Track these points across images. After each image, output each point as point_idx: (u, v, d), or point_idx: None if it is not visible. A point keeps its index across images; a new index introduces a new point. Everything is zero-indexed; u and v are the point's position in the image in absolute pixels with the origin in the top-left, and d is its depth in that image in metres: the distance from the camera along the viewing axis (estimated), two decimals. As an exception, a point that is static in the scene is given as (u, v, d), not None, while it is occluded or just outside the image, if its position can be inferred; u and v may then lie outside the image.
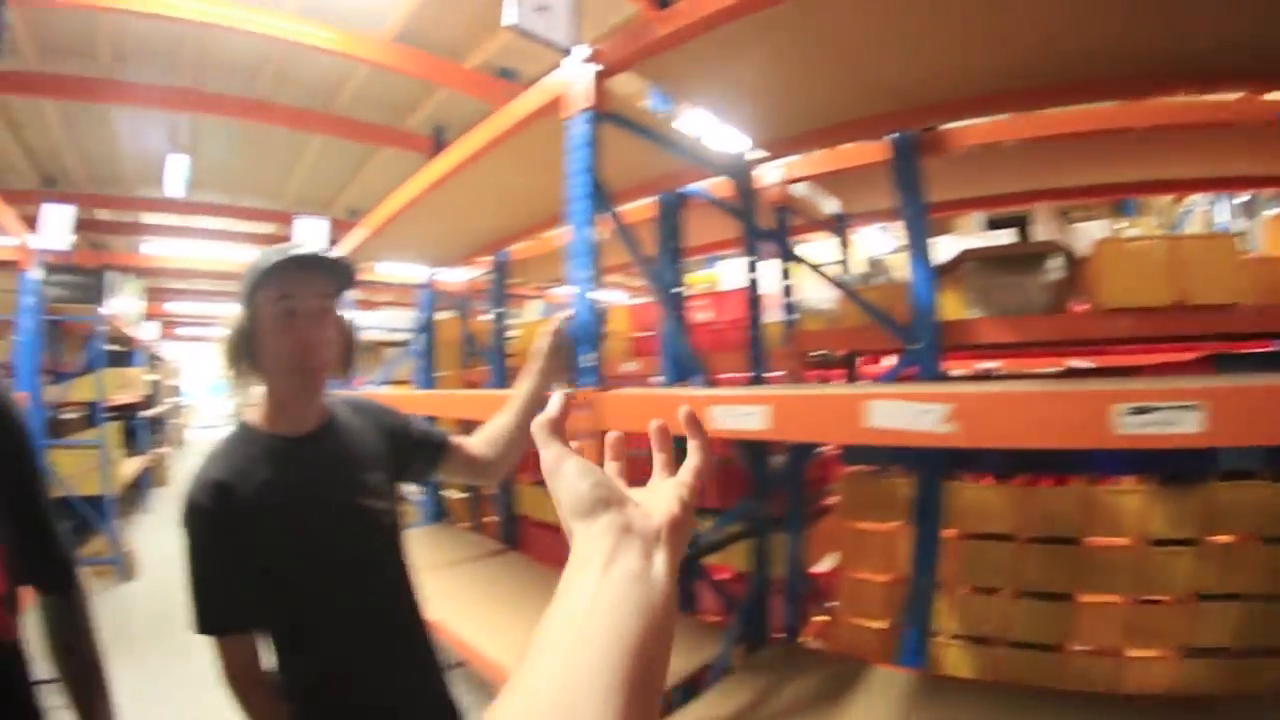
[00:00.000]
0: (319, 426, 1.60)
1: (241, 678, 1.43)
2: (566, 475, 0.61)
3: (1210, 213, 4.92)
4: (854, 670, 2.32)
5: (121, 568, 6.44)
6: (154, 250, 11.54)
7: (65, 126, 7.22)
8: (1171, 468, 2.24)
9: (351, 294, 1.59)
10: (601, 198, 1.94)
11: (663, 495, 0.63)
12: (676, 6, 1.79)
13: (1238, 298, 2.35)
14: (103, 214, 9.84)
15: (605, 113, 1.99)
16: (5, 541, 0.87)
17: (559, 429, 0.65)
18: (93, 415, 6.75)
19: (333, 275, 1.54)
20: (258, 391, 1.57)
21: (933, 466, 2.49)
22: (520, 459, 1.91)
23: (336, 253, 1.53)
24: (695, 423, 0.73)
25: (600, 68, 1.97)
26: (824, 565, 3.26)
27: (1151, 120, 2.55)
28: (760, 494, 2.66)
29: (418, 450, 1.80)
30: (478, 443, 1.87)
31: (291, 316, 1.48)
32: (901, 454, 2.67)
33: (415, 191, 3.13)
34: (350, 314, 1.60)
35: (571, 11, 2.12)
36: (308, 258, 1.48)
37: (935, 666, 2.48)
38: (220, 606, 1.44)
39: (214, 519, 1.42)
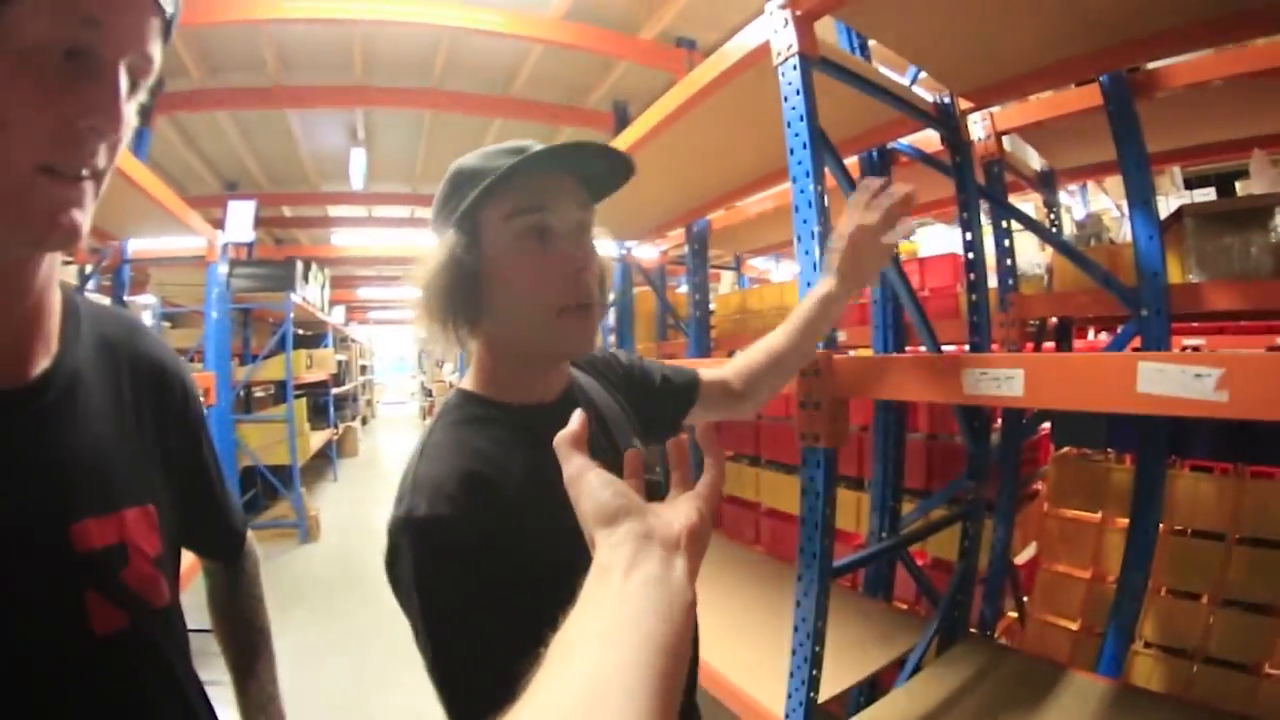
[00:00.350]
0: (565, 390, 1.17)
1: None
2: (589, 485, 0.66)
3: None
4: (1051, 674, 2.12)
5: (303, 531, 7.02)
6: (340, 241, 12.25)
7: (241, 134, 7.63)
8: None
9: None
10: (825, 148, 1.79)
11: (681, 506, 0.68)
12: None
13: None
14: (288, 211, 10.44)
15: (813, 58, 1.83)
16: (160, 503, 0.85)
17: (580, 443, 0.70)
18: (283, 392, 7.38)
19: (590, 179, 1.11)
20: (448, 365, 1.24)
21: (1156, 449, 2.23)
22: (777, 391, 1.64)
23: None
24: (711, 439, 0.78)
25: (798, 12, 1.82)
26: (1021, 557, 3.07)
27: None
28: (976, 474, 2.44)
29: (665, 398, 1.42)
30: (729, 374, 1.54)
31: (543, 237, 1.04)
32: (1118, 435, 2.48)
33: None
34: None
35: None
36: (562, 152, 1.02)
37: (1126, 676, 2.28)
38: (502, 670, 0.72)
39: (470, 528, 0.90)
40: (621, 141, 2.86)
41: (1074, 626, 2.57)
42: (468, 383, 1.13)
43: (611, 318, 4.98)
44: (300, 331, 9.89)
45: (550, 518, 0.81)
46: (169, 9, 0.72)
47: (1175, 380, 1.15)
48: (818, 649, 1.82)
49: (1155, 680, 2.30)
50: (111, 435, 0.82)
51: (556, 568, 0.75)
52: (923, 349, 2.03)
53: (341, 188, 9.01)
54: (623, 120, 6.02)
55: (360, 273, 15.30)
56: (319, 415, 9.94)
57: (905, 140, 2.57)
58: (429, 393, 17.47)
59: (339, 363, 11.71)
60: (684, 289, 5.04)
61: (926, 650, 2.29)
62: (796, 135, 1.75)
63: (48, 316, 0.78)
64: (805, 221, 1.72)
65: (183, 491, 0.91)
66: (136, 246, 4.93)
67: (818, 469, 1.74)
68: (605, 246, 1.23)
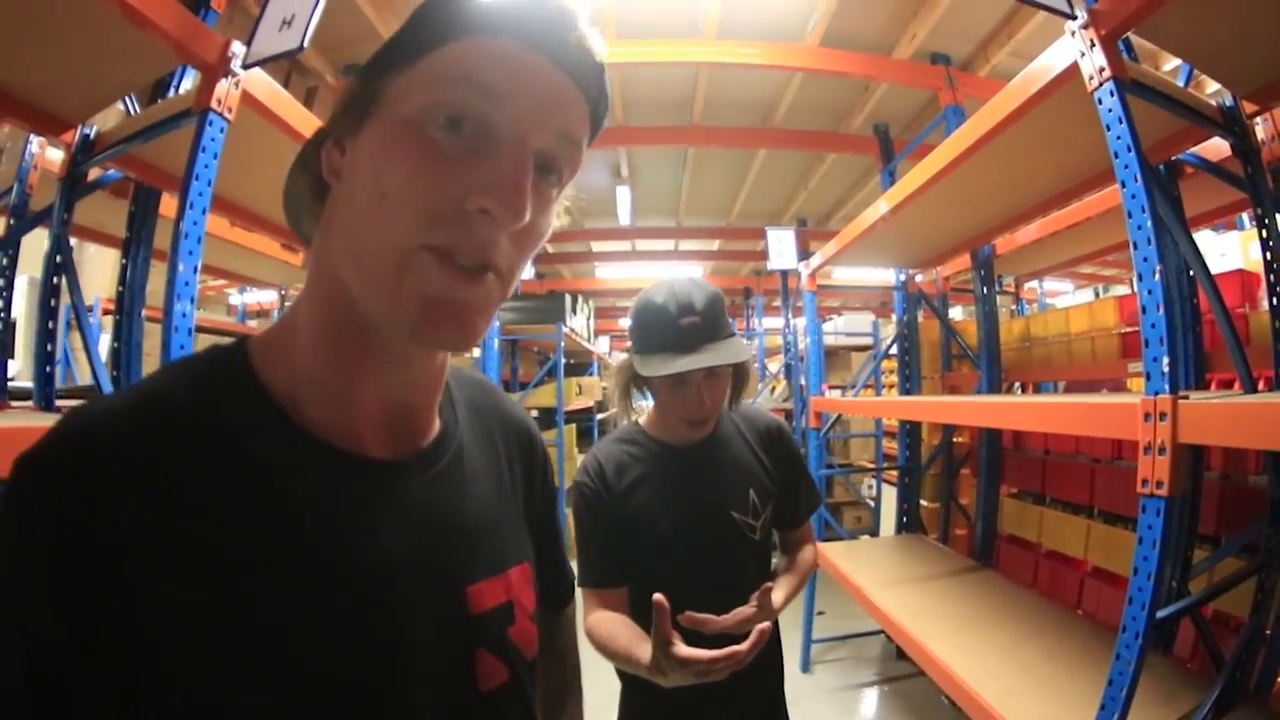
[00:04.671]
0: (701, 441, 1.75)
1: (593, 626, 1.55)
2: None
3: None
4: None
5: (564, 546, 7.18)
6: (604, 274, 12.87)
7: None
8: None
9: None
10: (1155, 177, 1.69)
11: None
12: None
13: None
14: (551, 248, 11.04)
15: (1125, 81, 1.75)
16: (531, 559, 0.88)
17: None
18: (551, 418, 7.74)
19: (700, 342, 1.59)
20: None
21: None
22: None
23: (722, 350, 1.59)
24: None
25: (1103, 32, 1.76)
26: None
27: None
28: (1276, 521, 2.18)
29: (782, 498, 1.83)
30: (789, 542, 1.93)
31: (681, 385, 1.62)
32: None
33: (901, 198, 3.09)
34: (745, 349, 1.65)
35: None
36: (674, 323, 1.58)
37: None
38: (588, 565, 1.64)
39: (587, 492, 1.68)
40: (914, 179, 2.89)
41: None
42: (644, 417, 1.81)
43: (898, 347, 4.95)
44: (568, 360, 10.40)
45: (642, 509, 1.65)
46: (591, 91, 0.68)
47: None
48: (1130, 701, 1.73)
49: None
50: (494, 496, 0.85)
51: (640, 536, 1.63)
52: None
53: (604, 224, 9.42)
54: (886, 143, 5.85)
55: (623, 304, 15.97)
56: (584, 439, 10.39)
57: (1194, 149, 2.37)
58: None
59: (603, 389, 12.23)
60: (956, 315, 4.84)
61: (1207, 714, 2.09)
62: (1126, 167, 1.66)
63: (438, 389, 0.78)
64: (1145, 260, 1.63)
65: (538, 545, 0.94)
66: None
67: (1156, 518, 1.63)
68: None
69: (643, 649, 1.34)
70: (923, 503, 4.91)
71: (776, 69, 5.11)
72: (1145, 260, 1.63)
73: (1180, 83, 2.35)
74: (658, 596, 1.18)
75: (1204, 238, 4.77)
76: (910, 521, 4.82)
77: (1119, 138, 1.69)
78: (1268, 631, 2.21)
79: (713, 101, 6.01)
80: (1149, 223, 1.62)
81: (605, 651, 1.49)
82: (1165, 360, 1.61)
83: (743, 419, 1.84)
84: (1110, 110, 1.72)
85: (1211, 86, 2.44)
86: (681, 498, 1.68)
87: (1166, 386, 1.62)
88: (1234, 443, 1.68)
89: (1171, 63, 3.56)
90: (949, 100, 4.66)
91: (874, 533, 6.36)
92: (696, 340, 1.57)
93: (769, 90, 5.82)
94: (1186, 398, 1.61)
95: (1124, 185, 1.68)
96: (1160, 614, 1.71)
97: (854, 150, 6.28)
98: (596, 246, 11.12)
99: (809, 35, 4.83)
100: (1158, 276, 1.61)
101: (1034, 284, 7.74)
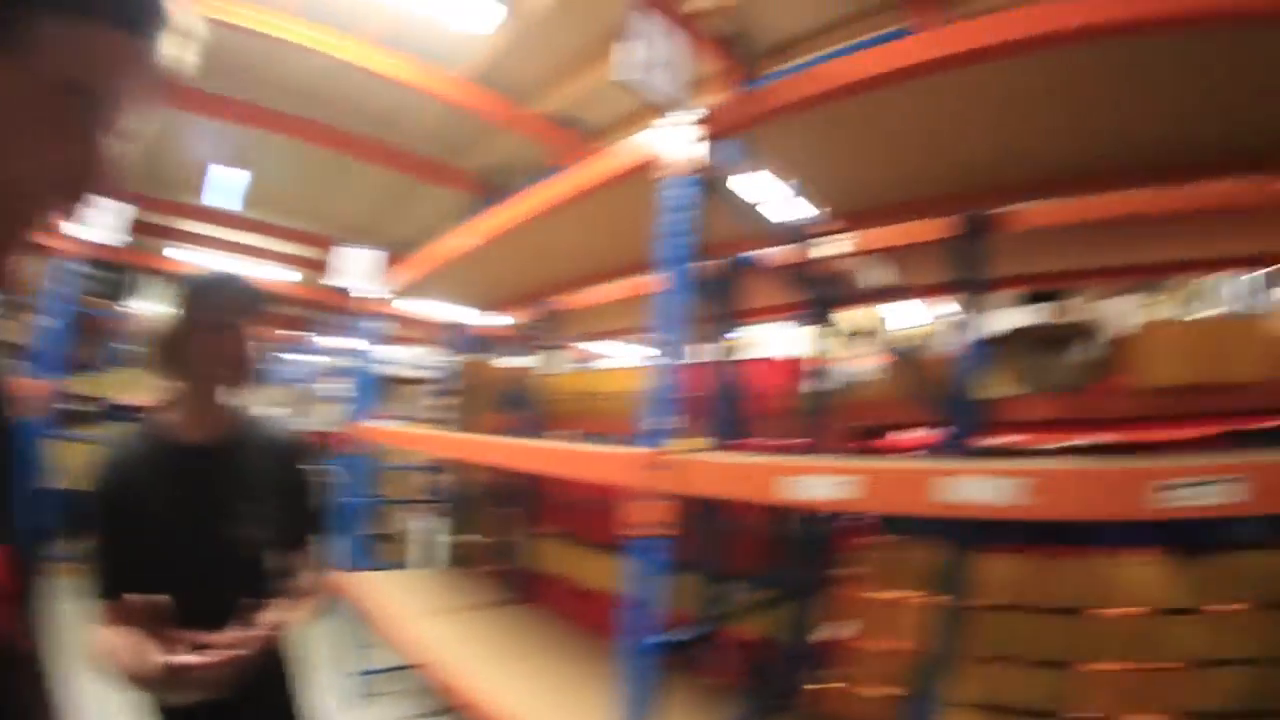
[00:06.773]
0: (213, 441, 1.66)
1: (98, 645, 1.39)
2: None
3: (1223, 288, 5.01)
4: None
5: None
6: (182, 257, 11.42)
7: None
8: (1188, 538, 2.22)
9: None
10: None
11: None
12: (785, 81, 1.85)
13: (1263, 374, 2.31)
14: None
15: (705, 178, 1.98)
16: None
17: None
18: (105, 412, 6.41)
19: (242, 297, 1.64)
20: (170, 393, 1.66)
21: (964, 537, 2.43)
22: None
23: (245, 281, 1.68)
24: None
25: (705, 132, 1.97)
26: (835, 633, 3.05)
27: (1193, 203, 2.53)
28: (796, 559, 2.65)
29: (290, 518, 1.76)
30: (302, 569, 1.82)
31: (200, 329, 1.57)
32: (932, 524, 2.56)
33: (478, 238, 3.16)
34: (257, 336, 1.66)
35: (681, 72, 2.11)
36: (219, 280, 1.65)
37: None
38: (94, 574, 1.54)
39: (92, 494, 1.57)
40: (497, 219, 3.01)
41: (889, 693, 2.63)
42: (157, 413, 1.68)
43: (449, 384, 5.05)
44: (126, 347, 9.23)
45: (139, 513, 1.54)
46: None
47: (986, 490, 1.40)
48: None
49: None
50: None
51: (136, 539, 1.53)
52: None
53: (199, 201, 8.44)
54: (490, 187, 6.02)
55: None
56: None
57: (756, 252, 2.75)
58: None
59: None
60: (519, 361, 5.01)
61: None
62: (674, 249, 1.90)
63: None
64: (668, 328, 1.88)
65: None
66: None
67: (654, 554, 1.85)
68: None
69: (144, 661, 1.24)
70: (468, 537, 4.95)
71: (416, 89, 5.18)
72: (666, 329, 1.88)
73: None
74: (138, 597, 1.13)
75: (781, 327, 5.36)
76: (454, 556, 4.89)
77: (678, 222, 1.91)
78: (790, 650, 2.59)
79: (346, 98, 5.83)
80: (680, 296, 1.87)
81: (114, 672, 1.32)
82: (665, 419, 1.86)
83: (263, 430, 1.78)
84: (680, 198, 1.93)
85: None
86: (181, 505, 1.59)
87: (661, 441, 1.86)
88: (709, 492, 1.94)
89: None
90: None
91: (418, 565, 6.26)
92: (221, 280, 1.65)
93: (401, 104, 5.76)
94: (680, 452, 1.85)
95: (669, 264, 1.90)
96: (671, 638, 1.93)
97: (459, 186, 6.37)
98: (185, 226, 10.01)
99: (466, 66, 4.86)
100: (667, 353, 1.86)
101: (591, 344, 8.21)
